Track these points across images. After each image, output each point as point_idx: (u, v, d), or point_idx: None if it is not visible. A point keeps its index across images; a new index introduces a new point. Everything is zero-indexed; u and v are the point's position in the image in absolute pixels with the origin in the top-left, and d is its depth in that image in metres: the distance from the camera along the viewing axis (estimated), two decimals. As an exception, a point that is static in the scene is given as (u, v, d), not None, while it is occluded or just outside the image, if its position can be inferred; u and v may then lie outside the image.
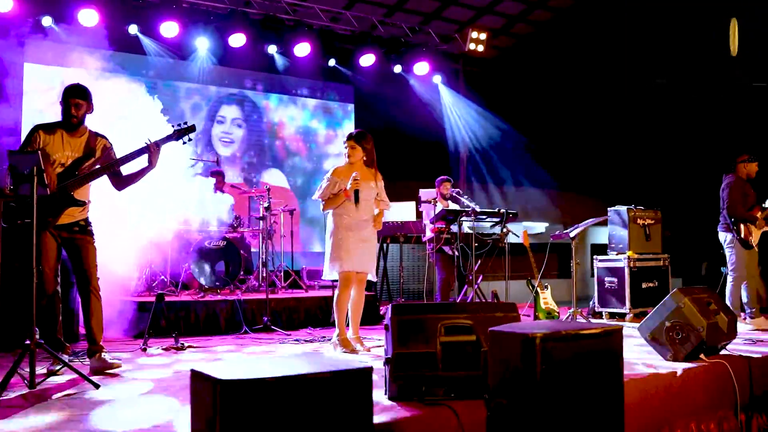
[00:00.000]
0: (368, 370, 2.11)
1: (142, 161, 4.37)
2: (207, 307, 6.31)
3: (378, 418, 3.04)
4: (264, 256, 7.22)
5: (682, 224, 11.27)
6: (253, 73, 10.07)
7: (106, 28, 8.02)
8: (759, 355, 4.68)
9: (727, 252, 6.62)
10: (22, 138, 4.62)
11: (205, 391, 1.97)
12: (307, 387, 1.96)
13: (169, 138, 4.41)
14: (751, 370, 4.48)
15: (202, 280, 7.08)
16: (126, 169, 4.38)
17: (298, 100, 10.66)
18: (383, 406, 3.21)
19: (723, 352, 4.70)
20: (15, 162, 3.65)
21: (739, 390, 4.29)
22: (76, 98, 4.19)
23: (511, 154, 12.17)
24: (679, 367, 4.17)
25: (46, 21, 7.83)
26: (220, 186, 8.01)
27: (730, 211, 6.46)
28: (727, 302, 6.61)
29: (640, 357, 4.59)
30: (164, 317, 5.90)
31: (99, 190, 4.51)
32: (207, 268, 7.17)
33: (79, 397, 3.47)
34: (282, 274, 7.84)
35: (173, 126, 4.47)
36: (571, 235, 5.27)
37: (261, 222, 7.15)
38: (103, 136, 4.39)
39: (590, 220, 5.59)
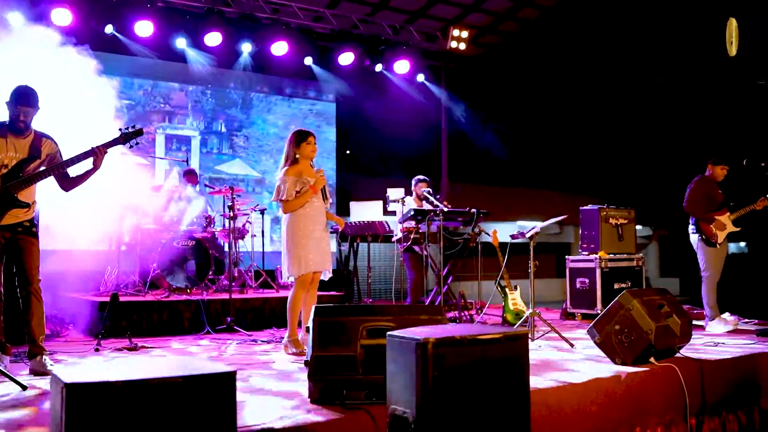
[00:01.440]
0: (231, 375, 2.05)
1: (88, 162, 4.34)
2: (170, 308, 6.27)
3: (295, 421, 3.00)
4: (235, 256, 7.17)
5: (678, 223, 11.14)
6: (231, 72, 9.96)
7: (80, 27, 7.99)
8: (713, 359, 4.59)
9: (698, 253, 6.54)
10: None
11: (55, 393, 1.93)
12: (159, 391, 1.91)
13: (116, 141, 4.36)
14: (704, 374, 4.39)
15: (171, 280, 7.05)
16: (73, 170, 4.35)
17: (277, 99, 10.57)
18: (305, 409, 3.17)
19: (678, 355, 4.62)
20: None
21: (689, 394, 4.20)
22: (26, 106, 4.15)
23: (498, 153, 12.06)
24: (624, 371, 4.08)
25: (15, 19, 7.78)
26: (192, 185, 7.96)
27: (686, 208, 6.43)
28: (704, 303, 6.52)
29: (587, 361, 4.51)
30: (124, 317, 5.86)
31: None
32: (176, 267, 7.13)
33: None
34: (253, 273, 7.79)
35: (120, 129, 4.43)
36: (528, 235, 5.20)
37: (230, 221, 7.10)
38: (48, 137, 4.34)
39: (549, 220, 5.51)
